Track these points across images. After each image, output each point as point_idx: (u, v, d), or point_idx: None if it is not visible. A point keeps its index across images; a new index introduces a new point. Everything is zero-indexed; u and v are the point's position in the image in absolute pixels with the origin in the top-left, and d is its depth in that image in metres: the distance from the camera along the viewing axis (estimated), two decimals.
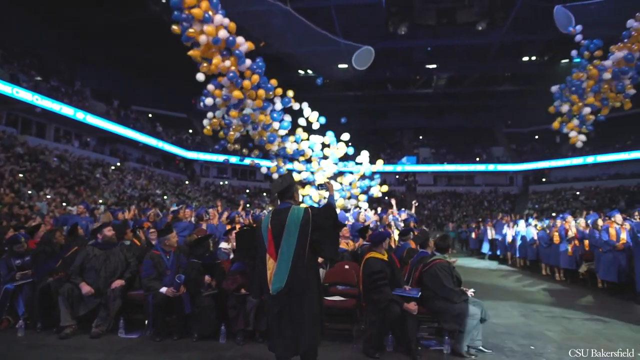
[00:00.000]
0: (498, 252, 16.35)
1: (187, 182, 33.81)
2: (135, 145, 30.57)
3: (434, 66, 31.80)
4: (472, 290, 4.92)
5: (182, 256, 5.48)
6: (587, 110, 10.53)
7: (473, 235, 19.96)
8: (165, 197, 25.59)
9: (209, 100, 8.76)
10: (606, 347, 4.86)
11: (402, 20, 22.62)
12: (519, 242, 13.86)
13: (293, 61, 29.23)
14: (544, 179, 37.16)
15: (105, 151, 28.26)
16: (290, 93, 9.78)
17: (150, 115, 35.06)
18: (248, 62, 8.58)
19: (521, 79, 33.06)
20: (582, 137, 10.87)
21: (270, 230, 3.47)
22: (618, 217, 9.09)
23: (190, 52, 8.20)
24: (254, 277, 3.65)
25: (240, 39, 8.45)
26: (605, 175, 33.06)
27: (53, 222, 9.06)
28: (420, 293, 4.62)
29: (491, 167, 38.26)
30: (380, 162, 11.82)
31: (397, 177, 39.83)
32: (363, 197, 10.96)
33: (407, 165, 38.34)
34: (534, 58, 30.60)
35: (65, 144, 24.86)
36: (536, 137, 39.07)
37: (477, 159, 39.53)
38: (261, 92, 8.87)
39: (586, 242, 9.82)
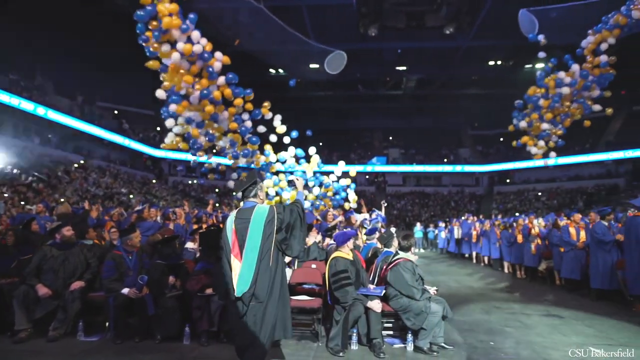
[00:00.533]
0: (464, 251, 16.78)
1: (154, 181, 33.06)
2: (100, 142, 29.65)
3: (404, 68, 32.29)
4: (435, 288, 5.03)
5: (145, 256, 5.37)
6: (546, 126, 11.01)
7: (443, 234, 20.35)
8: (131, 196, 24.95)
9: (170, 122, 8.45)
10: (561, 342, 5.08)
11: (372, 22, 22.89)
12: (483, 241, 14.27)
13: (264, 60, 29.08)
14: (508, 180, 38.34)
15: (68, 148, 27.26)
16: (266, 104, 9.49)
17: (116, 112, 34.05)
18: (221, 79, 8.32)
19: (487, 82, 33.98)
20: (553, 154, 11.31)
21: (234, 230, 3.40)
22: (577, 217, 9.52)
23: (150, 64, 7.87)
24: (220, 279, 3.55)
25: (217, 55, 8.20)
26: (565, 176, 34.41)
27: (10, 221, 8.69)
28: (383, 291, 4.70)
29: (458, 168, 39.16)
30: (353, 172, 11.61)
31: (367, 177, 40.19)
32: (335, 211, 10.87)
33: (377, 166, 38.72)
34: (499, 63, 31.56)
35: (25, 140, 23.85)
36: (501, 139, 40.24)
37: (445, 160, 40.38)
38: (238, 101, 8.59)
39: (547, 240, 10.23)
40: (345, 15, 24.47)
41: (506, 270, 12.15)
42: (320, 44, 23.49)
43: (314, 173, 10.69)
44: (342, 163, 11.18)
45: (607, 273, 7.59)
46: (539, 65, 26.02)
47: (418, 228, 23.16)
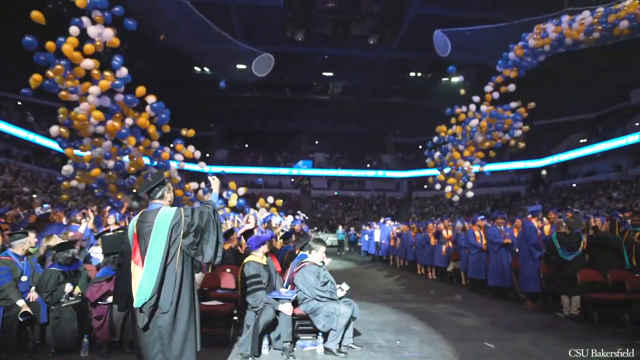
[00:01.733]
0: (382, 253, 17.43)
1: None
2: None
3: (331, 74, 32.96)
4: (345, 287, 5.14)
5: (35, 260, 4.93)
6: (467, 164, 12.31)
7: (366, 237, 20.89)
8: (34, 195, 22.78)
9: (67, 168, 8.28)
10: (460, 339, 5.45)
11: (299, 27, 23.12)
12: (399, 244, 14.94)
13: (191, 57, 28.22)
14: (425, 186, 40.53)
15: None
16: (189, 131, 10.00)
17: (19, 103, 30.94)
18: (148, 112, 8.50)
19: (409, 93, 35.70)
20: (470, 194, 12.58)
21: (135, 235, 3.17)
22: (480, 222, 10.29)
23: (33, 78, 7.51)
24: (119, 288, 3.28)
25: (150, 99, 8.46)
26: (475, 183, 37.06)
27: None
28: (295, 295, 4.73)
29: (380, 173, 40.71)
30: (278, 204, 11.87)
31: (292, 180, 40.39)
32: None
33: (302, 169, 39.07)
34: (419, 74, 33.29)
35: None
36: (420, 147, 42.42)
37: (368, 165, 41.75)
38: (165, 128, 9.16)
39: None
40: (274, 18, 24.46)
41: (419, 272, 12.80)
42: (247, 44, 23.31)
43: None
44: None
45: (499, 272, 8.32)
46: (455, 80, 27.95)
47: (340, 231, 23.68)
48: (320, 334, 4.75)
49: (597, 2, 12.59)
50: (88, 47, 7.63)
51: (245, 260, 4.83)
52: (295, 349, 4.73)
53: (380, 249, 17.58)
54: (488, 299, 8.48)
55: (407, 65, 31.68)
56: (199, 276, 5.42)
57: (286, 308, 4.54)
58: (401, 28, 24.75)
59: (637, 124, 26.34)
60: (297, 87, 35.85)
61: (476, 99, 12.76)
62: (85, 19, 7.97)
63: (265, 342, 4.63)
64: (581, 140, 31.56)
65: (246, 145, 43.28)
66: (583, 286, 6.32)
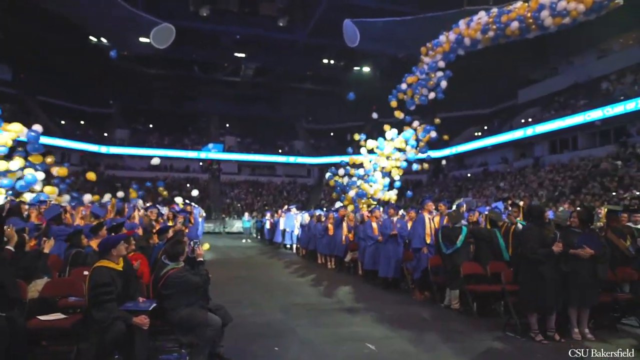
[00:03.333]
0: (287, 242, 17.16)
1: None
2: None
3: (243, 55, 31.77)
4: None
5: None
6: (378, 189, 12.76)
7: (268, 225, 20.46)
8: None
9: None
10: (344, 337, 5.25)
11: (204, 2, 21.70)
12: (302, 233, 14.77)
13: (84, 26, 25.56)
14: None
15: None
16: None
17: None
18: None
19: (321, 79, 35.67)
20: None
21: None
22: (377, 213, 10.36)
23: None
24: None
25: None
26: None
27: None
28: (154, 305, 4.10)
29: (292, 159, 40.43)
30: None
31: (200, 164, 38.57)
32: None
33: (211, 153, 37.40)
34: (332, 62, 33.36)
35: None
36: (332, 134, 42.88)
37: (280, 151, 41.23)
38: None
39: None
40: None
41: (319, 261, 12.67)
42: (151, 17, 21.59)
43: None
44: None
45: (387, 263, 8.42)
46: (366, 69, 28.61)
47: (246, 218, 23.04)
48: (184, 346, 4.22)
49: (494, 3, 13.38)
50: None
51: (94, 266, 4.08)
52: None
53: (284, 238, 17.31)
54: (380, 290, 8.52)
55: (320, 51, 31.55)
56: (42, 281, 4.58)
57: (141, 320, 3.90)
58: (313, 13, 24.41)
59: (522, 120, 28.88)
60: (206, 66, 34.12)
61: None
62: None
63: None
64: (476, 134, 33.93)
65: (150, 126, 40.36)
66: (463, 279, 6.46)
